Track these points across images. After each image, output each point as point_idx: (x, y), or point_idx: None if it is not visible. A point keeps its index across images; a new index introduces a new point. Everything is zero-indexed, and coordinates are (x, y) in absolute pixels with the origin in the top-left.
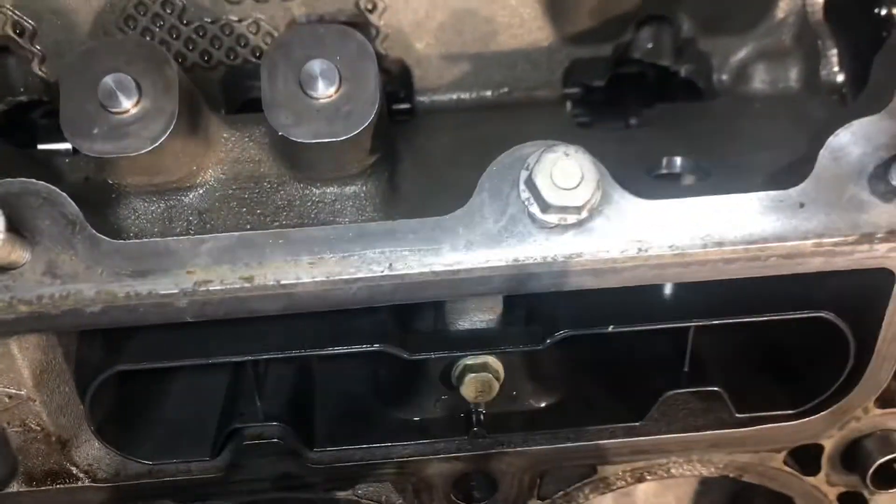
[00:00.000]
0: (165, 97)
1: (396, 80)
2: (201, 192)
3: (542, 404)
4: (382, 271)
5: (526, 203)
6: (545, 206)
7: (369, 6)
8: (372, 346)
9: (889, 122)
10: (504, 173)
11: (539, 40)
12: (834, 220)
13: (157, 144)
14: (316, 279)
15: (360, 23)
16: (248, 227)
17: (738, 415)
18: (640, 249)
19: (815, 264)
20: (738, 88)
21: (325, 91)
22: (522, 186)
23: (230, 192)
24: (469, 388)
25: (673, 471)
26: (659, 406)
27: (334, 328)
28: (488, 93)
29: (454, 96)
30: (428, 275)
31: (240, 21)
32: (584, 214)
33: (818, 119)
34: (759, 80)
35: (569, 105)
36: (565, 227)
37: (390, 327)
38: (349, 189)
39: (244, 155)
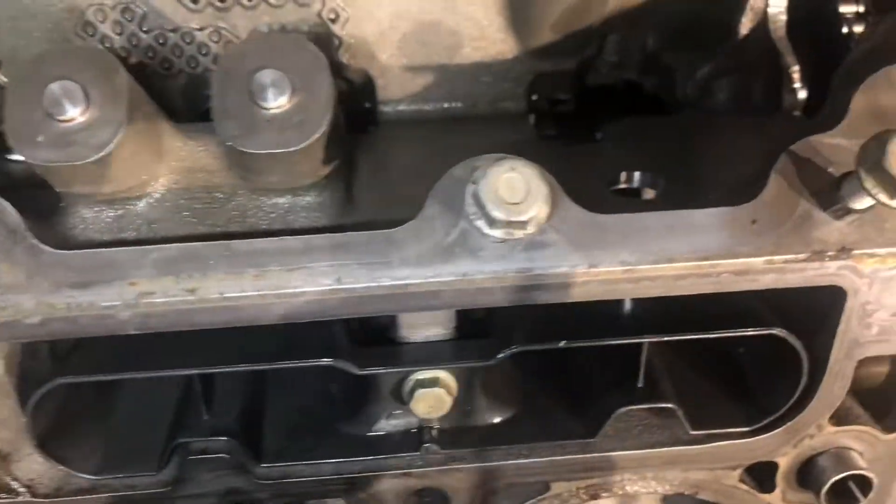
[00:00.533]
0: (113, 106)
1: (360, 91)
2: (152, 201)
3: (497, 419)
4: (330, 285)
5: (472, 218)
6: (491, 221)
7: (332, 16)
8: (321, 361)
9: (841, 139)
10: (455, 186)
11: (503, 53)
12: (785, 238)
13: (103, 153)
14: (261, 292)
15: (322, 33)
16: (199, 238)
17: (692, 432)
18: (590, 265)
19: (767, 281)
20: (703, 103)
21: (276, 101)
22: (469, 200)
23: (182, 202)
24: (419, 404)
25: (628, 488)
26: (613, 422)
27: (285, 341)
28: (452, 104)
29: (418, 107)
30: (377, 289)
31: (201, 30)
32: (531, 230)
33: (779, 135)
34: (724, 95)
35: (532, 118)
36: (516, 242)
37: (342, 341)
38: (303, 200)
39: (197, 164)
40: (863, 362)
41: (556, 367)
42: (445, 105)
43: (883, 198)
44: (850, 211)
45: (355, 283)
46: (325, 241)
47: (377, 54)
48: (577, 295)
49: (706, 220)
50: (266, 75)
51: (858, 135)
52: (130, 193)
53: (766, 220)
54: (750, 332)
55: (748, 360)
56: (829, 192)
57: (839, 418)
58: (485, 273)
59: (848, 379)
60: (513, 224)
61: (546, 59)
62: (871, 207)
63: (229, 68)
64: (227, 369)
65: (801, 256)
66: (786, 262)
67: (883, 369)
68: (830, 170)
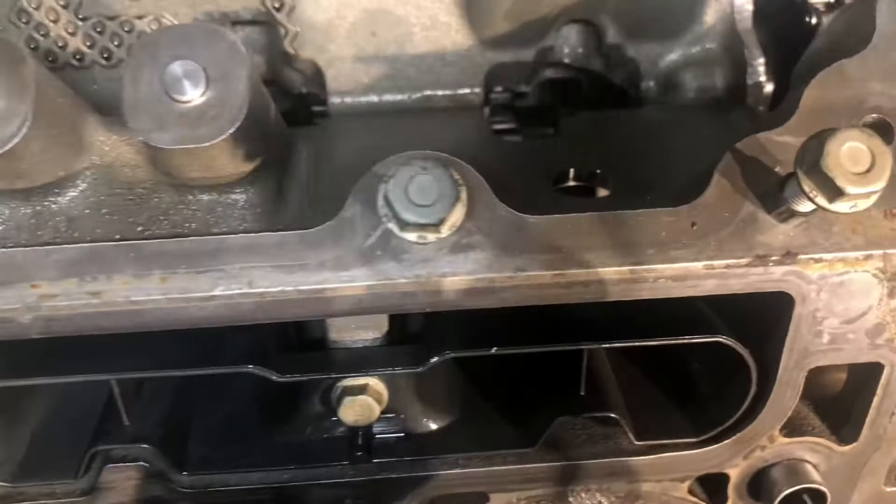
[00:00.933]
0: (19, 98)
1: (310, 82)
2: (72, 197)
3: (433, 427)
4: (241, 289)
5: (385, 220)
6: (402, 224)
7: (276, 4)
8: (238, 368)
9: (789, 137)
10: (376, 185)
11: (456, 43)
12: (727, 241)
13: (7, 148)
14: (168, 296)
15: (267, 22)
16: (118, 236)
17: (637, 442)
18: (517, 269)
19: (708, 287)
20: (667, 97)
21: (189, 94)
22: (381, 202)
23: (102, 198)
24: (347, 412)
25: (571, 500)
26: (553, 431)
27: (210, 345)
28: (405, 96)
29: (371, 99)
30: (291, 293)
31: (140, 18)
32: (445, 233)
33: (736, 131)
34: (687, 88)
35: (486, 111)
36: (441, 244)
37: (268, 346)
38: (228, 198)
39: (119, 159)
40: (818, 370)
41: (497, 373)
42: (398, 97)
43: (821, 201)
44: (795, 214)
45: (268, 287)
46: (238, 242)
47: (325, 44)
48: (506, 300)
49: (643, 222)
50: (179, 66)
51: (807, 132)
52: (49, 189)
53: (706, 223)
54: (693, 339)
55: (698, 368)
56: (774, 193)
57: (792, 428)
58: (406, 277)
59: (798, 388)
60: (425, 227)
61: (502, 50)
62: (816, 210)
63: (142, 59)
64: (139, 375)
65: (744, 261)
66: (727, 267)
67: (841, 376)
68: (777, 169)
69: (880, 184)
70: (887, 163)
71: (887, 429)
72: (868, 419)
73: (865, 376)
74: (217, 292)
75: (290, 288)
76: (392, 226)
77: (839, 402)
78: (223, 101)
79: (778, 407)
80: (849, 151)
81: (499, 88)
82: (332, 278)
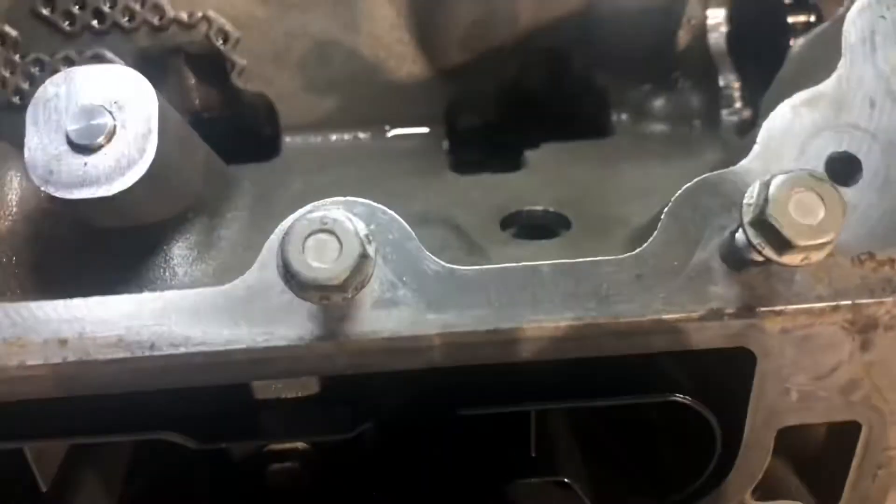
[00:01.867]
0: None
1: (260, 116)
2: None
3: (372, 494)
4: (143, 353)
5: (283, 280)
6: (300, 286)
7: (221, 38)
8: (152, 434)
9: (746, 175)
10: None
11: (413, 74)
12: (677, 293)
13: None
14: (67, 359)
15: (213, 55)
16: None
17: None
18: (445, 326)
19: (659, 344)
20: (638, 126)
21: (94, 141)
22: (279, 262)
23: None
24: (276, 479)
25: None
26: (501, 497)
27: (123, 405)
28: (360, 131)
29: (325, 135)
30: (197, 356)
31: (80, 54)
32: (352, 293)
33: (713, 163)
34: (659, 117)
35: (445, 144)
36: (359, 302)
37: (189, 407)
38: (150, 247)
39: (42, 205)
40: (792, 428)
41: (436, 435)
42: (352, 132)
43: (770, 253)
44: (750, 263)
45: (172, 350)
46: (141, 300)
47: (274, 78)
48: (436, 360)
49: (585, 273)
50: (83, 112)
51: (765, 170)
52: None
53: (653, 273)
54: (650, 399)
55: (661, 426)
56: (729, 239)
57: (766, 491)
58: (321, 336)
59: (768, 449)
60: (326, 289)
61: (461, 81)
62: (768, 260)
63: (44, 104)
64: (39, 443)
65: (696, 315)
66: (677, 321)
67: (820, 431)
68: (733, 212)
69: (831, 234)
70: (839, 210)
71: (871, 490)
72: (849, 481)
73: (843, 435)
74: (118, 356)
75: (196, 350)
76: (292, 286)
77: (818, 462)
78: (130, 147)
79: (747, 469)
80: (797, 198)
81: (460, 120)
82: (243, 338)
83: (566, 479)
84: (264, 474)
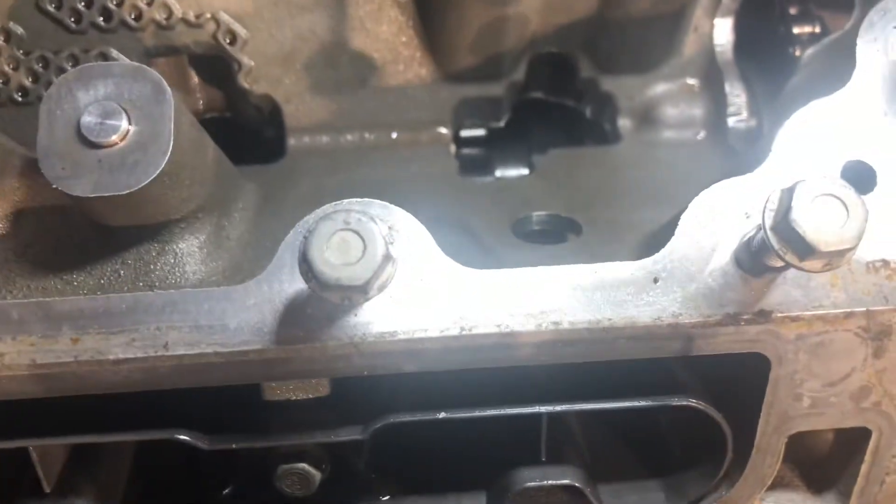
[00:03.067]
0: None
1: (267, 117)
2: None
3: (383, 497)
4: (157, 352)
5: (305, 279)
6: (322, 285)
7: (228, 38)
8: (164, 434)
9: (761, 182)
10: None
11: (421, 77)
12: (693, 298)
13: None
14: (79, 358)
15: (219, 56)
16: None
17: None
18: (462, 329)
19: (674, 348)
20: (643, 133)
21: (107, 139)
22: (301, 261)
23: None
24: (284, 480)
25: None
26: (512, 500)
27: (130, 404)
28: (367, 133)
29: (331, 135)
30: (210, 356)
31: (86, 52)
32: (374, 293)
33: (721, 170)
34: (665, 124)
35: (453, 148)
36: (377, 302)
37: (201, 403)
38: (160, 244)
39: (47, 203)
40: (802, 433)
41: (448, 439)
42: (359, 134)
43: (792, 258)
44: (767, 268)
45: (186, 350)
46: (155, 300)
47: (282, 79)
48: (451, 363)
49: (599, 277)
50: (98, 109)
51: (780, 177)
52: None
53: (670, 278)
54: (663, 403)
55: (672, 431)
56: (745, 246)
57: (775, 497)
58: (339, 338)
59: (779, 455)
60: (349, 289)
61: (470, 85)
62: (789, 265)
63: (58, 100)
64: (52, 442)
65: (713, 320)
66: (693, 326)
67: (829, 437)
68: (749, 218)
69: (854, 240)
70: (862, 216)
71: (878, 495)
72: (857, 487)
73: (852, 441)
74: (130, 355)
75: (210, 350)
76: (313, 286)
77: (826, 468)
78: (146, 145)
79: (757, 475)
80: (820, 204)
81: (467, 124)
82: (255, 339)
83: (576, 484)
84: (272, 475)
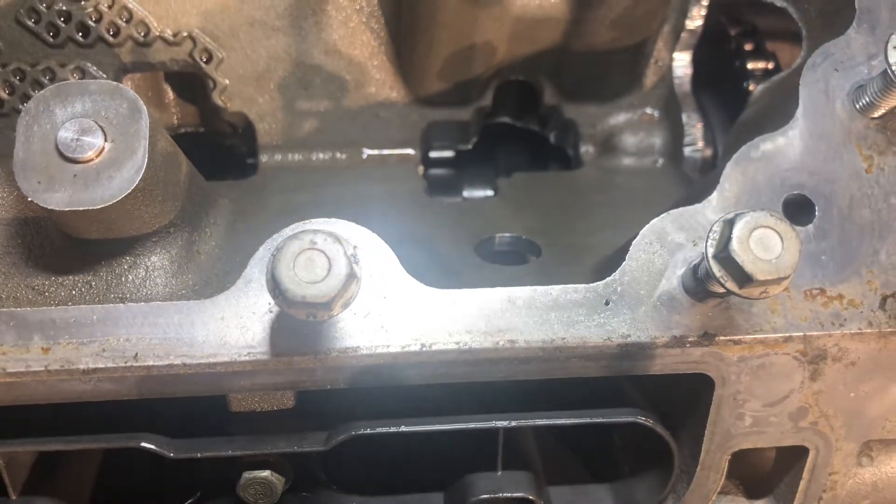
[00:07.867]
0: None
1: (241, 135)
2: None
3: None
4: (126, 362)
5: (272, 295)
6: (289, 302)
7: (204, 57)
8: (129, 443)
9: (708, 213)
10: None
11: (391, 100)
12: (641, 320)
13: None
14: (49, 367)
15: (195, 73)
16: (25, 300)
17: None
18: (423, 345)
19: (623, 368)
20: (604, 159)
21: (84, 154)
22: (268, 277)
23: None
24: (247, 489)
25: None
26: None
27: (96, 413)
28: (338, 153)
29: (302, 154)
30: (178, 367)
31: (62, 66)
32: (338, 310)
33: (675, 198)
34: (625, 151)
35: (421, 169)
36: (338, 319)
37: (168, 416)
38: (132, 258)
39: (21, 215)
40: (745, 452)
41: (408, 450)
42: (330, 153)
43: (731, 286)
44: (711, 294)
45: (154, 361)
46: (125, 312)
47: (255, 97)
48: (411, 378)
49: (554, 298)
50: (74, 124)
51: (725, 208)
52: None
53: (620, 300)
54: (612, 420)
55: (623, 447)
56: (691, 271)
57: None
58: (303, 351)
59: (722, 471)
60: (314, 306)
61: (438, 108)
62: (730, 292)
63: (35, 115)
64: (15, 449)
65: (660, 342)
66: (641, 347)
67: (770, 455)
68: (695, 246)
69: (789, 270)
70: (796, 248)
71: None
72: (796, 503)
73: (792, 459)
74: (100, 365)
75: (178, 362)
76: (280, 302)
77: (768, 484)
78: (120, 161)
79: (702, 490)
80: (757, 236)
81: (436, 146)
82: (223, 352)
83: (531, 497)
84: (235, 484)
